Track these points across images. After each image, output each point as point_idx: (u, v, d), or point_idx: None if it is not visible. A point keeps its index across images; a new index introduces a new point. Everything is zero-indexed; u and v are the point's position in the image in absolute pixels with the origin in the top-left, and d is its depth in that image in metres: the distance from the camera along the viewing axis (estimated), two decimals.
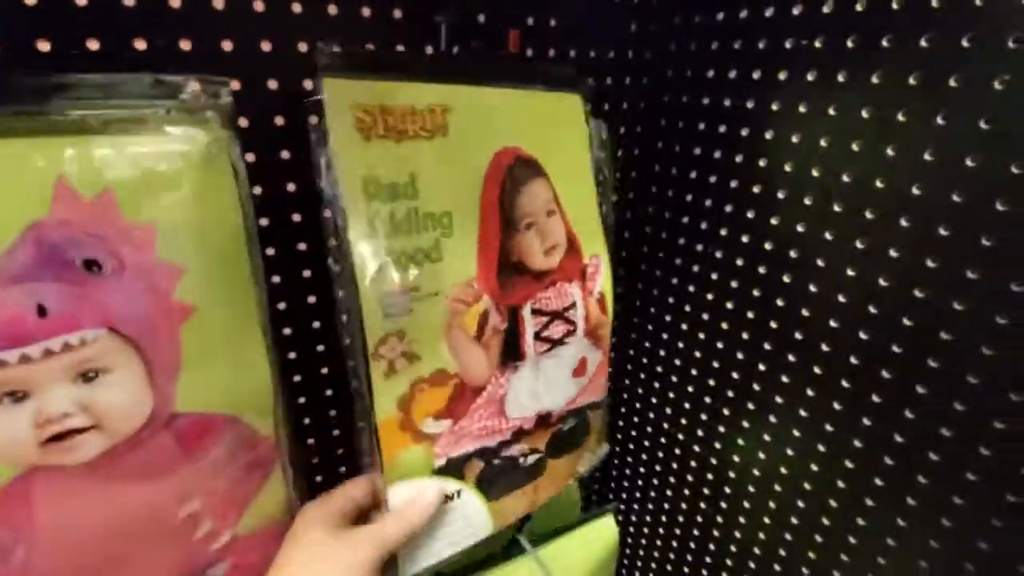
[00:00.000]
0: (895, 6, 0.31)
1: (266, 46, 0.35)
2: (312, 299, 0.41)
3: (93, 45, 0.30)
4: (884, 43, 0.32)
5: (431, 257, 0.33)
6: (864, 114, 0.33)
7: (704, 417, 0.50)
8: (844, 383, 0.38)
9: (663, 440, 0.56)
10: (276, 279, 0.39)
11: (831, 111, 0.35)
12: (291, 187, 0.38)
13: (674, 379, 0.52)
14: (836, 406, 0.38)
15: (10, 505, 0.26)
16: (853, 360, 0.37)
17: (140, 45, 0.31)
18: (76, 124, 0.26)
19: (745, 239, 0.42)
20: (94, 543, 0.28)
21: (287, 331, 0.41)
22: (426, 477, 0.36)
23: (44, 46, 0.29)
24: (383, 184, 0.31)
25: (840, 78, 0.34)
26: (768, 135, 0.39)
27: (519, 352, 0.38)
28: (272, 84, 0.35)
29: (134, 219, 0.27)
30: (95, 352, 0.27)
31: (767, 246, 0.41)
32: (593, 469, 0.48)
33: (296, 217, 0.39)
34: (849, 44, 0.33)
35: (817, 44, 0.35)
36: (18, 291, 0.25)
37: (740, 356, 0.45)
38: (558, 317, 0.40)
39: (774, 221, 0.40)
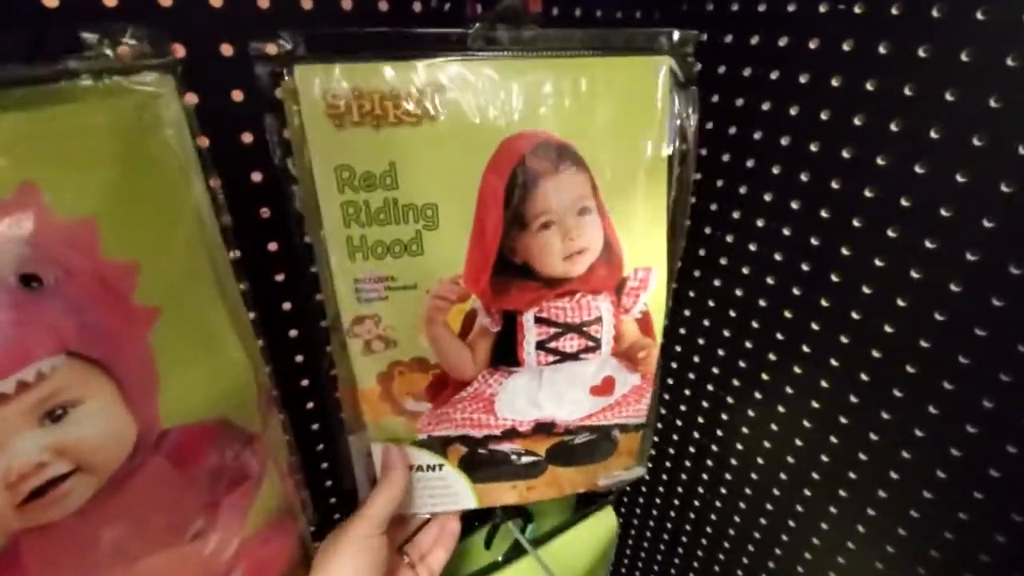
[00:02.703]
0: None
1: (216, 1, 0.28)
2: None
3: None
4: None
5: (410, 250, 0.31)
6: None
7: (705, 405, 0.47)
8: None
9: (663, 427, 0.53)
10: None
11: None
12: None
13: (674, 366, 0.49)
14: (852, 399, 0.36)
15: None
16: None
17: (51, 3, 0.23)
18: None
19: None
20: None
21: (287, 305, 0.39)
22: (403, 446, 0.37)
23: None
24: (357, 173, 0.29)
25: None
26: None
27: (515, 358, 0.36)
28: (227, 50, 0.30)
29: (68, 215, 0.21)
30: (57, 385, 0.22)
31: None
32: (619, 486, 0.45)
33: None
34: None
35: None
36: None
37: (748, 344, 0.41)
38: (573, 330, 0.35)
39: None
